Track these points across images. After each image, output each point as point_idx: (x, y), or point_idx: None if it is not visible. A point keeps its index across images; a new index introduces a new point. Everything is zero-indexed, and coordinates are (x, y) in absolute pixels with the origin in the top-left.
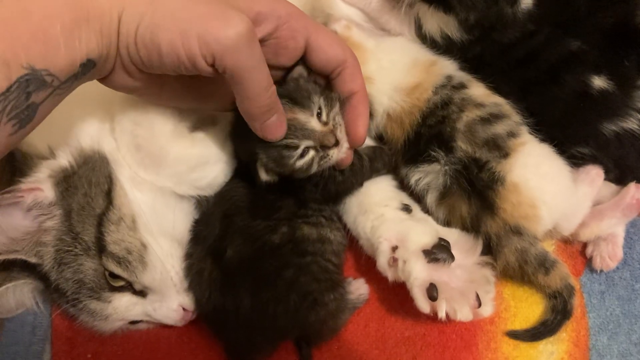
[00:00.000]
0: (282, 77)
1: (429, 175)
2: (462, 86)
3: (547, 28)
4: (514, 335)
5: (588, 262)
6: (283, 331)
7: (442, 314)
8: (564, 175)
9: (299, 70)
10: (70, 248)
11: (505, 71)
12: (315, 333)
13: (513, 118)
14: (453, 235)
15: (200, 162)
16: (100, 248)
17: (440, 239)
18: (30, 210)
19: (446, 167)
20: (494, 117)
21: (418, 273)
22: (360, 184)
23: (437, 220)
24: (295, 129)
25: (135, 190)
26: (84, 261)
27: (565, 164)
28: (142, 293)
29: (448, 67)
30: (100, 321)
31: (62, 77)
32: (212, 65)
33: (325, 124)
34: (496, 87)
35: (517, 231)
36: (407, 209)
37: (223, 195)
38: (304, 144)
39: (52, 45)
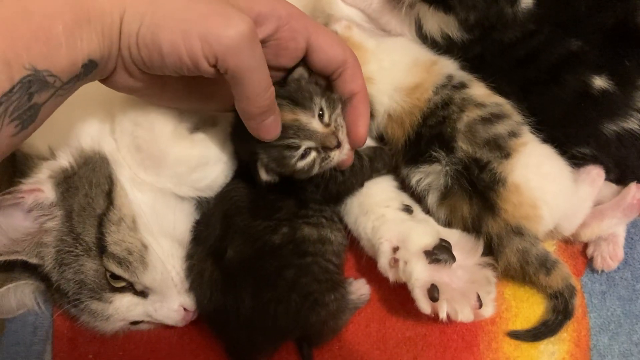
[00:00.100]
0: (282, 78)
1: (430, 176)
2: (462, 86)
3: (548, 28)
4: (515, 335)
5: (589, 262)
6: (284, 331)
7: (443, 315)
8: (565, 176)
9: (300, 71)
10: (71, 249)
11: (505, 71)
12: (316, 333)
13: (514, 118)
14: (454, 235)
15: (201, 163)
16: (101, 249)
17: (442, 240)
18: (31, 211)
19: (447, 168)
20: (495, 117)
21: (419, 274)
22: (361, 184)
23: (438, 220)
24: (297, 130)
25: (136, 190)
26: (85, 262)
27: (566, 164)
28: (143, 293)
29: (449, 66)
30: (102, 322)
31: (64, 77)
32: (214, 66)
33: (327, 125)
34: (497, 87)
35: (519, 231)
36: (408, 209)
37: (223, 195)
38: (306, 144)
39: (54, 46)
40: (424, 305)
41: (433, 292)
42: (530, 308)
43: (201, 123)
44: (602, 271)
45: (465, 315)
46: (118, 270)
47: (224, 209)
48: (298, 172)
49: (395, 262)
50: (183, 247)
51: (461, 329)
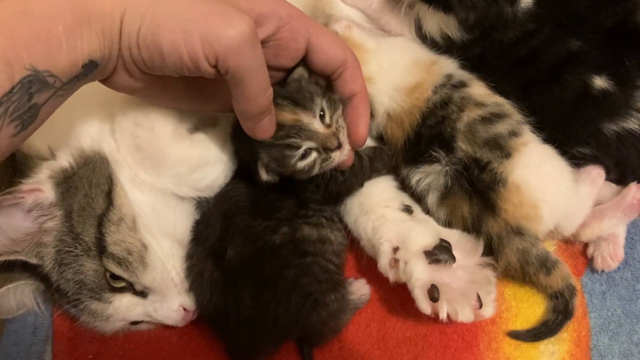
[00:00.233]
0: (282, 79)
1: (429, 176)
2: (462, 85)
3: (548, 28)
4: (516, 335)
5: (589, 262)
6: (284, 331)
7: (443, 315)
8: (566, 176)
9: (300, 71)
10: (70, 249)
11: (505, 71)
12: (317, 333)
13: (514, 117)
14: (454, 236)
15: (201, 163)
16: (101, 249)
17: (442, 240)
18: (31, 211)
19: (447, 168)
20: (495, 117)
21: (419, 274)
22: (361, 184)
23: (438, 220)
24: (298, 130)
25: (136, 190)
26: (85, 262)
27: (566, 164)
28: (142, 294)
29: (448, 65)
30: (101, 322)
31: (64, 78)
32: (215, 66)
33: (329, 126)
34: (497, 87)
35: (519, 232)
36: (408, 209)
37: (223, 195)
38: (306, 144)
39: (54, 46)
40: (424, 305)
41: (433, 292)
42: (530, 308)
43: (201, 123)
44: (602, 271)
45: (465, 315)
46: (118, 271)
47: (224, 209)
48: (298, 172)
49: (395, 262)
50: (183, 247)
51: (461, 329)
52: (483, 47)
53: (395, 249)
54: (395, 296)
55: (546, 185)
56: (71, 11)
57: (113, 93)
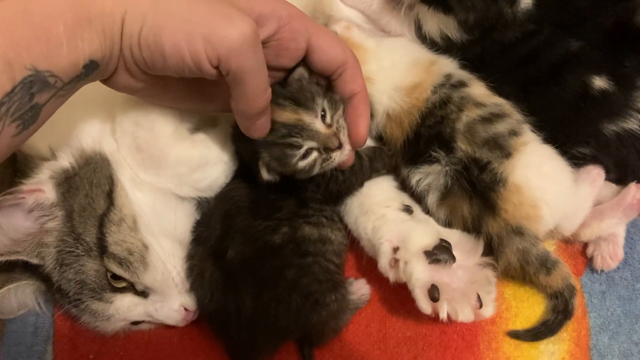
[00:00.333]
0: (283, 79)
1: (429, 176)
2: (461, 84)
3: (548, 28)
4: (515, 335)
5: (589, 262)
6: (285, 332)
7: (443, 315)
8: (566, 176)
9: (300, 71)
10: (71, 249)
11: (505, 71)
12: (317, 333)
13: (514, 117)
14: (454, 236)
15: (201, 163)
16: (102, 249)
17: (442, 240)
18: (32, 212)
19: (447, 168)
20: (495, 116)
21: (419, 274)
22: (361, 184)
23: (438, 221)
24: (300, 129)
25: (137, 190)
26: (86, 262)
27: (566, 164)
28: (143, 294)
29: (448, 65)
30: (102, 322)
31: (65, 78)
32: (216, 67)
33: (329, 126)
34: (497, 87)
35: (519, 231)
36: (408, 209)
37: (224, 195)
38: (308, 144)
39: (55, 46)
40: (425, 305)
41: (433, 292)
42: (530, 308)
43: (202, 123)
44: (602, 271)
45: (465, 315)
46: (119, 271)
47: (225, 209)
48: (299, 171)
49: (395, 262)
50: (184, 247)
51: (461, 328)
52: (483, 48)
53: (396, 249)
54: (396, 296)
55: (546, 185)
56: (71, 11)
57: (114, 93)
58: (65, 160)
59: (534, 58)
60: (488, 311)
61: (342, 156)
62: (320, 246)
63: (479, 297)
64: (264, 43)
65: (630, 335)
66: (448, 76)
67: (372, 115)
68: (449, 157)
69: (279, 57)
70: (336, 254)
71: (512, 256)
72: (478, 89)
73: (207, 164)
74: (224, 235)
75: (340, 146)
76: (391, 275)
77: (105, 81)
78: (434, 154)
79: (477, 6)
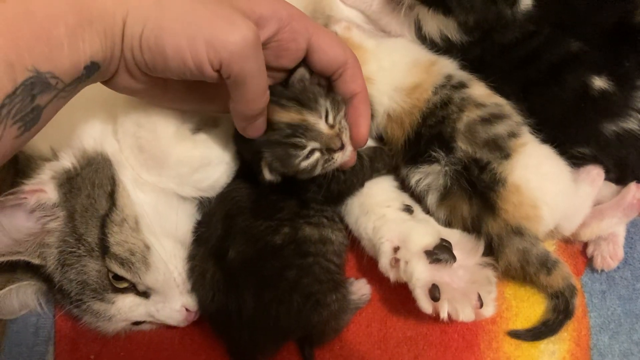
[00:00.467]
0: (284, 80)
1: (429, 176)
2: (462, 85)
3: (547, 28)
4: (516, 334)
5: (589, 261)
6: (286, 332)
7: (444, 315)
8: (565, 176)
9: (301, 72)
10: (73, 249)
11: (505, 72)
12: (318, 333)
13: (514, 118)
14: (455, 235)
15: (203, 163)
16: (104, 249)
17: (442, 240)
18: (34, 212)
19: (446, 168)
20: (495, 118)
21: (420, 274)
22: (361, 184)
23: (438, 220)
24: (304, 129)
25: (138, 191)
26: (88, 262)
27: (565, 164)
28: (145, 294)
29: (448, 66)
30: (104, 322)
31: (67, 79)
32: (218, 71)
33: (332, 127)
34: (497, 88)
35: (519, 232)
36: (408, 209)
37: (225, 196)
38: (311, 145)
39: (56, 47)
40: (425, 305)
41: (434, 292)
42: (530, 307)
43: (203, 124)
44: (602, 271)
45: (466, 314)
46: (120, 271)
47: (226, 209)
48: (301, 172)
49: (396, 262)
50: (185, 248)
51: (462, 328)
52: (483, 49)
53: (396, 249)
54: (396, 296)
55: (546, 185)
56: (72, 12)
57: (115, 94)
58: (67, 161)
59: (534, 58)
60: (489, 311)
61: (344, 157)
62: (321, 246)
63: (479, 296)
64: (264, 44)
65: (630, 335)
66: (449, 77)
67: (372, 116)
68: (448, 157)
69: (279, 57)
70: (337, 254)
71: (513, 256)
72: (478, 90)
73: (209, 164)
74: (225, 236)
75: (342, 147)
76: (392, 275)
77: (106, 82)
78: (433, 154)
79: (476, 7)
